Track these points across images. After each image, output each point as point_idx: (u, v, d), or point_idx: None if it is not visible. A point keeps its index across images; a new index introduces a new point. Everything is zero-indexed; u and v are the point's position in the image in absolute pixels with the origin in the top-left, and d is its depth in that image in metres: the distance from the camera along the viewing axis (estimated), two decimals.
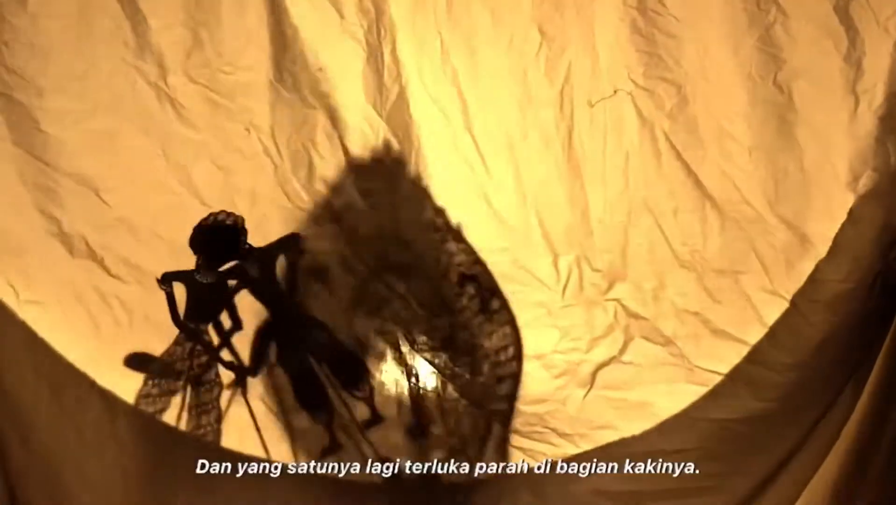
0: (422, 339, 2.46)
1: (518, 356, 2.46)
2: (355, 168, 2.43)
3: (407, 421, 2.46)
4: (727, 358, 2.41)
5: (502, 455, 2.47)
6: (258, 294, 2.30)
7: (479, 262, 2.45)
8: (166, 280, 2.34)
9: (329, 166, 2.43)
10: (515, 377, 2.45)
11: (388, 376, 2.45)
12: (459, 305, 2.46)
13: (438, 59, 2.40)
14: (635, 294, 2.43)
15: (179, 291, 2.39)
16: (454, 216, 2.44)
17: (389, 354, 2.46)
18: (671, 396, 2.42)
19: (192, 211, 2.39)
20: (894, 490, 2.33)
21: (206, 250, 2.33)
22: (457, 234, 2.45)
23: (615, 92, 2.41)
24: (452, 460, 2.45)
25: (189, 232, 2.37)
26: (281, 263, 2.41)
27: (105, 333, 2.38)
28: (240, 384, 2.40)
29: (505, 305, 2.46)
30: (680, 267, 2.42)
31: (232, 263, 2.32)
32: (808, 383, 2.36)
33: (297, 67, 2.40)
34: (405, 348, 2.46)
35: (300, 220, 2.43)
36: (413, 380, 2.45)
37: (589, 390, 2.45)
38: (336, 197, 2.44)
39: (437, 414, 2.46)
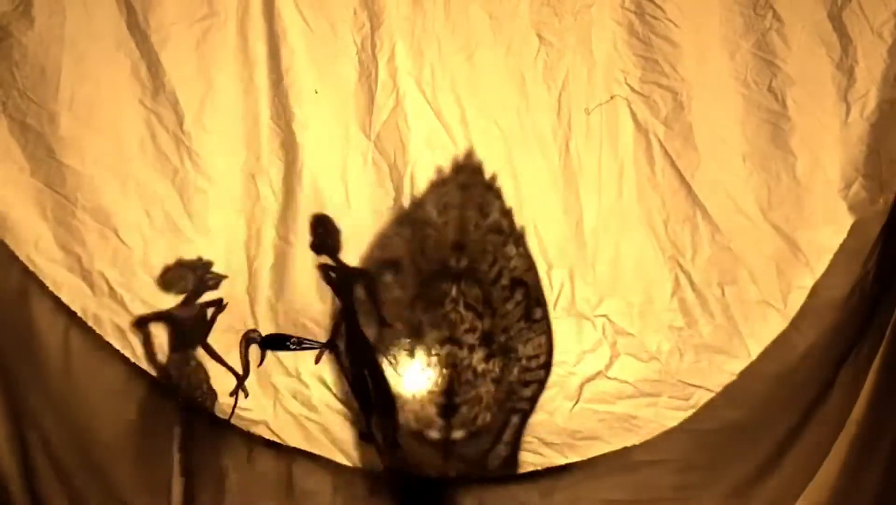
0: (464, 337, 2.52)
1: (548, 365, 2.50)
2: (435, 185, 2.47)
3: (439, 400, 2.52)
4: (710, 371, 2.44)
5: (514, 449, 2.52)
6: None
7: (532, 269, 2.49)
8: (141, 324, 2.46)
9: (312, 203, 2.46)
10: (541, 384, 2.50)
11: (431, 360, 2.53)
12: (504, 310, 2.51)
13: (437, 66, 2.41)
14: (623, 309, 2.45)
15: None
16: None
17: (435, 344, 2.53)
18: (654, 410, 2.45)
19: (207, 256, 2.46)
20: (891, 498, 2.36)
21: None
22: (518, 238, 2.48)
23: (612, 98, 2.41)
24: (470, 442, 2.53)
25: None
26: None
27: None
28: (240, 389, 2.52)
29: (545, 316, 2.49)
30: (668, 281, 2.44)
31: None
32: (786, 392, 2.39)
33: (290, 100, 2.41)
34: (447, 342, 2.53)
35: (293, 260, 2.49)
36: (449, 369, 2.52)
37: (576, 403, 2.47)
38: (416, 209, 2.48)
39: (465, 398, 2.53)
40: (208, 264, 2.48)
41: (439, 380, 2.52)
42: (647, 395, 2.46)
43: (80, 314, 2.38)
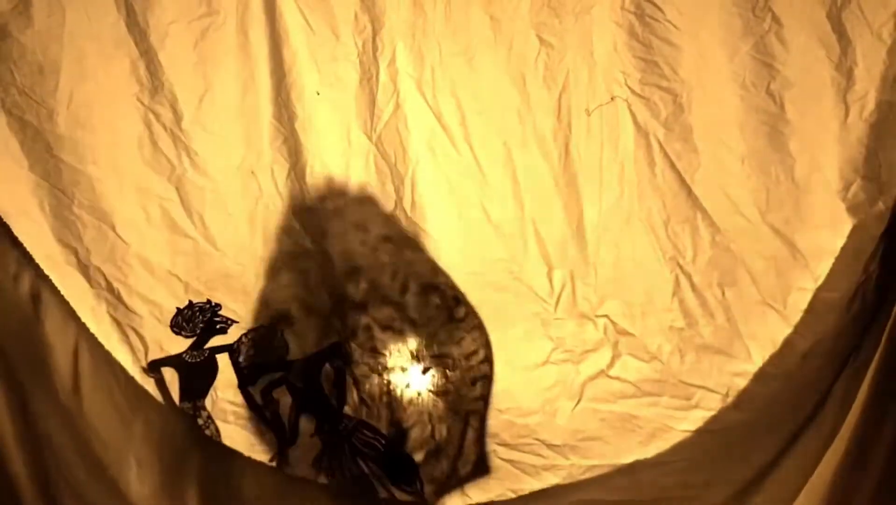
0: (391, 360, 2.50)
1: (489, 358, 2.50)
2: (302, 209, 2.45)
3: (387, 428, 2.52)
4: (711, 372, 2.45)
5: (479, 453, 2.52)
6: (304, 403, 2.45)
7: (440, 271, 2.47)
8: (154, 367, 2.43)
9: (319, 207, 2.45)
10: (488, 378, 2.49)
11: (365, 393, 2.51)
12: (424, 318, 2.50)
13: (438, 68, 2.41)
14: (624, 310, 2.46)
15: None
16: (450, 227, 2.45)
17: (361, 380, 2.51)
18: (655, 409, 2.47)
19: (206, 256, 2.45)
20: (887, 501, 2.34)
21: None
22: (413, 243, 2.45)
23: (612, 99, 2.42)
24: (433, 460, 2.52)
25: (204, 275, 2.45)
26: (326, 371, 2.50)
27: (122, 361, 2.43)
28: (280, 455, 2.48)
29: (471, 311, 2.48)
30: (668, 282, 2.45)
31: (278, 375, 2.46)
32: (790, 394, 2.39)
33: (292, 100, 2.41)
34: (376, 370, 2.50)
35: (302, 262, 2.48)
36: (388, 394, 2.50)
37: (578, 403, 2.48)
38: (286, 242, 2.46)
39: (415, 419, 2.51)
40: (217, 307, 2.43)
41: (381, 412, 2.50)
42: (649, 394, 2.48)
43: (78, 306, 2.38)
